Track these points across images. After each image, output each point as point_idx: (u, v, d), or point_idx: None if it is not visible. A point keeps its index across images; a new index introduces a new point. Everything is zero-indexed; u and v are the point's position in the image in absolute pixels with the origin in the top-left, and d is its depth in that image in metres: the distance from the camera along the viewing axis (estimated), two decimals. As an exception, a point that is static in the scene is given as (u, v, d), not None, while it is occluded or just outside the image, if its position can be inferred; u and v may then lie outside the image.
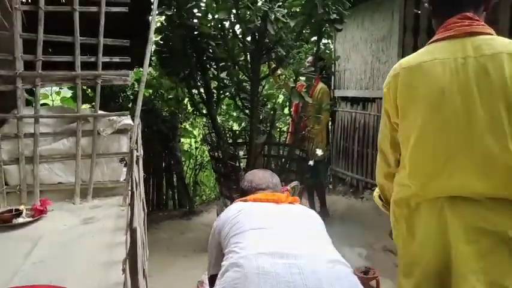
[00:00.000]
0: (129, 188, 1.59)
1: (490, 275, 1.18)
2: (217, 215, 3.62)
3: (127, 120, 2.25)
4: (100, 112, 2.20)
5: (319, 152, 3.41)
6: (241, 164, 3.61)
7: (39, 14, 2.06)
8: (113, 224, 1.83)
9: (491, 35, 1.25)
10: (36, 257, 1.48)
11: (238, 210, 1.43)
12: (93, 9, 2.17)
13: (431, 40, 1.34)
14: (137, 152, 2.00)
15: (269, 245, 1.21)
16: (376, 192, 1.62)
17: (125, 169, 2.27)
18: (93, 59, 2.17)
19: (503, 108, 1.16)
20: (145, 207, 2.29)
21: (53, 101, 5.36)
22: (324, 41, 5.89)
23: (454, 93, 1.21)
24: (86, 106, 3.65)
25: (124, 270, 0.87)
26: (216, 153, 3.74)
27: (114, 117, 2.22)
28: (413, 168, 1.29)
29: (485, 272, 1.19)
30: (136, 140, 2.08)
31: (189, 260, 3.18)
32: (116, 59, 2.22)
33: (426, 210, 1.30)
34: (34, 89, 2.11)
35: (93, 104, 2.19)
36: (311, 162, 3.41)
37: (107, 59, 2.19)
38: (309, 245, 1.26)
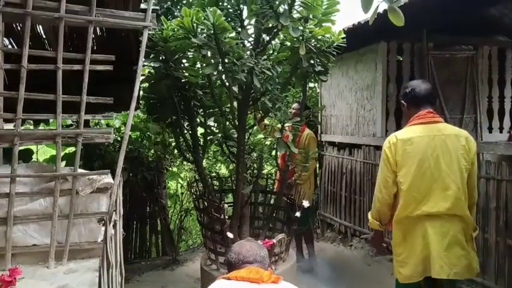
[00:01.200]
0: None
1: (450, 260, 2.13)
2: (201, 270, 3.49)
3: (107, 178, 2.18)
4: (79, 171, 2.14)
5: (305, 203, 3.36)
6: (227, 213, 3.53)
7: (21, 73, 2.04)
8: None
9: (443, 122, 2.31)
10: None
11: None
12: (77, 67, 2.16)
13: (411, 124, 2.32)
14: (116, 214, 1.93)
15: None
16: (372, 216, 2.43)
17: (103, 229, 2.18)
18: (75, 118, 2.13)
19: (456, 166, 2.17)
20: (123, 271, 2.19)
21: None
22: (311, 84, 6.01)
23: (429, 156, 2.19)
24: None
25: None
26: (201, 204, 3.66)
27: (94, 176, 2.16)
28: (407, 199, 2.22)
29: (447, 257, 2.13)
30: (116, 199, 2.01)
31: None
32: (99, 117, 2.19)
33: (414, 224, 2.22)
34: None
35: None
36: (298, 214, 3.35)
37: (89, 117, 2.16)
38: None
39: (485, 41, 4.90)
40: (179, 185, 5.74)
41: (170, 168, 5.54)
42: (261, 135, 4.94)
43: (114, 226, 1.84)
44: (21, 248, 2.05)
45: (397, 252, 2.31)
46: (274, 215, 3.72)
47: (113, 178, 2.18)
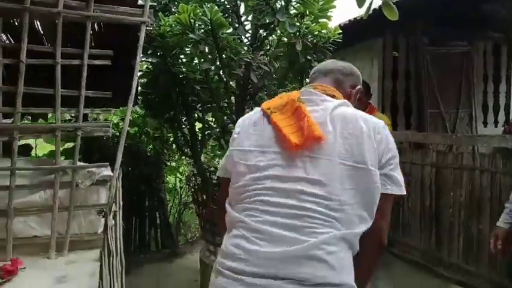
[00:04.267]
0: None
1: None
2: (200, 262, 3.54)
3: (106, 171, 2.22)
4: (79, 164, 2.18)
5: None
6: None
7: (20, 67, 2.07)
8: (88, 283, 1.77)
9: None
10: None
11: (233, 137, 1.32)
12: (76, 62, 2.19)
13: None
14: (116, 205, 1.97)
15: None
16: None
17: (103, 220, 2.22)
18: (73, 112, 2.17)
19: None
20: (123, 262, 2.23)
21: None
22: (308, 80, 6.02)
23: None
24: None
25: None
26: (200, 197, 3.70)
27: (94, 169, 2.19)
28: None
29: None
30: (116, 192, 2.05)
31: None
32: (98, 111, 2.22)
33: None
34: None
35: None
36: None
37: (88, 111, 2.19)
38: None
39: (480, 36, 4.94)
40: (178, 179, 5.77)
41: (169, 163, 5.57)
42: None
43: (114, 217, 1.88)
44: (22, 239, 2.09)
45: None
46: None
47: (112, 171, 2.22)
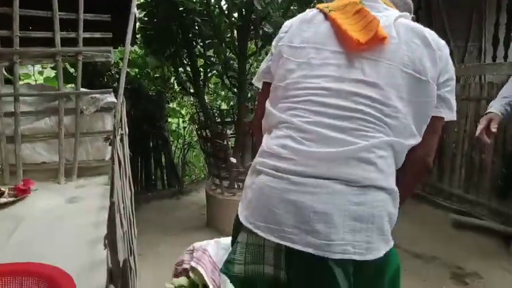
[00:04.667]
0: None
1: None
2: (206, 194, 3.63)
3: (110, 98, 2.20)
4: (82, 90, 2.15)
5: None
6: (230, 143, 3.60)
7: (14, -12, 1.98)
8: (99, 202, 1.81)
9: None
10: (19, 236, 1.46)
11: (279, 36, 1.19)
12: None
13: None
14: (122, 130, 1.97)
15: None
16: None
17: (109, 148, 2.24)
18: (73, 35, 2.10)
19: None
20: (132, 186, 2.27)
21: (35, 80, 5.22)
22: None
23: None
24: (70, 86, 3.57)
25: (106, 246, 0.86)
26: (204, 132, 3.71)
27: (97, 95, 2.17)
28: None
29: None
30: (121, 118, 2.04)
31: (179, 238, 3.19)
32: (97, 35, 2.16)
33: None
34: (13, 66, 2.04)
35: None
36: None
37: (87, 35, 2.12)
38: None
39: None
40: (181, 120, 5.77)
41: (171, 105, 5.54)
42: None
43: (121, 140, 1.88)
44: (31, 165, 2.12)
45: None
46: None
47: (116, 98, 2.19)
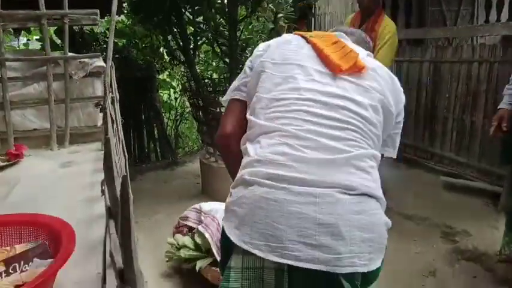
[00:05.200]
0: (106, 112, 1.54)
1: None
2: (200, 163, 3.64)
3: (99, 62, 2.16)
4: (70, 54, 2.10)
5: None
6: (222, 111, 3.57)
7: None
8: (93, 166, 1.81)
9: None
10: (15, 197, 1.46)
11: (257, 54, 1.20)
12: None
13: None
14: (112, 94, 1.94)
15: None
16: None
17: (101, 114, 2.21)
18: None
19: None
20: (126, 153, 2.26)
21: (21, 53, 5.08)
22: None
23: None
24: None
25: (103, 192, 0.86)
26: (196, 101, 3.68)
27: (86, 60, 2.13)
28: None
29: None
30: (111, 82, 2.01)
31: (174, 206, 3.22)
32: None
33: None
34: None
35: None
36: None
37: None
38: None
39: None
40: (172, 91, 5.71)
41: (161, 76, 5.46)
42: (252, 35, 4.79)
43: (112, 103, 1.86)
44: (22, 132, 2.09)
45: None
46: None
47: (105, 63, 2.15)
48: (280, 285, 0.91)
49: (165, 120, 5.47)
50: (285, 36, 1.24)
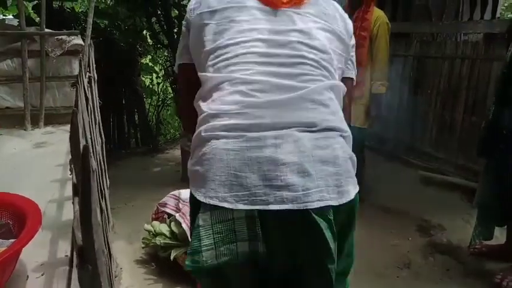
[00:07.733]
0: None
1: None
2: (181, 150, 3.58)
3: (77, 40, 2.08)
4: (47, 30, 2.01)
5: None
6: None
7: None
8: (68, 147, 1.74)
9: None
10: (-17, 177, 1.39)
11: (192, 7, 1.10)
12: None
13: None
14: (90, 73, 1.88)
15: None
16: None
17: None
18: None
19: None
20: (103, 136, 2.20)
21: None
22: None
23: None
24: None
25: (71, 170, 0.82)
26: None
27: (63, 37, 2.04)
28: None
29: None
30: (89, 60, 1.94)
31: (153, 192, 3.15)
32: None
33: None
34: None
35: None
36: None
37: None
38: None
39: None
40: (154, 76, 5.60)
41: (144, 60, 5.34)
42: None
43: (89, 83, 1.79)
44: (-6, 110, 2.01)
45: None
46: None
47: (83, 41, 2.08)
48: (254, 233, 0.89)
49: (147, 106, 5.38)
50: None
